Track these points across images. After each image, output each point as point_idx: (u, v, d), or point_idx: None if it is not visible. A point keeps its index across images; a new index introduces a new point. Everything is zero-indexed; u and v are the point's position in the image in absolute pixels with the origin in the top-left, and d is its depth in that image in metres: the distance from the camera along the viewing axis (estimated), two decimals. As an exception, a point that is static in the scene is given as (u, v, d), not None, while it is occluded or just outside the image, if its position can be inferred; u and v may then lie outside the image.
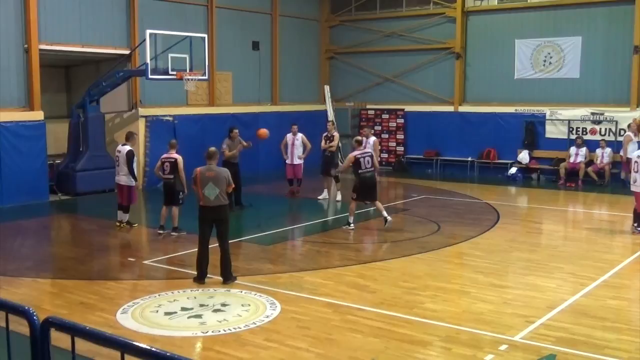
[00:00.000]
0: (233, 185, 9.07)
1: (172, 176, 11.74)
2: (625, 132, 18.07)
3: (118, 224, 12.51)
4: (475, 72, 20.93)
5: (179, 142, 18.12)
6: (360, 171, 12.26)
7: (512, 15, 20.18)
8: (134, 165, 12.37)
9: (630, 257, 10.28)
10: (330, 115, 22.30)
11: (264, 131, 14.85)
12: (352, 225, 12.39)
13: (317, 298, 8.15)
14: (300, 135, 16.17)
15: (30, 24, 15.09)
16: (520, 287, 8.73)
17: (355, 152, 12.42)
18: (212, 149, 9.35)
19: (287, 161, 16.34)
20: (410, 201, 15.83)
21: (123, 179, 12.34)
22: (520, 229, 12.86)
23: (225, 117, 18.63)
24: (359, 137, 13.56)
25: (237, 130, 14.41)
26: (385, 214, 12.23)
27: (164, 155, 12.00)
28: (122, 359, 2.61)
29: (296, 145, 16.11)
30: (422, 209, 14.60)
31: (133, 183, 12.42)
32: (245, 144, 14.37)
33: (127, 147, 12.32)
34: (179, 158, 11.77)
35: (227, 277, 8.74)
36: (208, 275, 8.79)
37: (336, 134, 16.09)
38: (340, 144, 20.54)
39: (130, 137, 12.60)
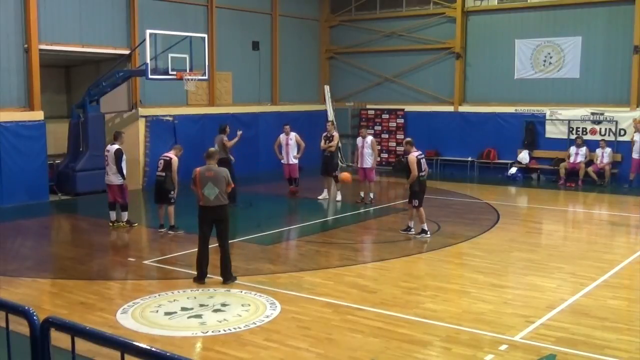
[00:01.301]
0: (233, 185, 9.08)
1: (163, 173, 11.85)
2: (624, 132, 18.16)
3: (111, 224, 12.56)
4: (475, 72, 20.92)
5: (179, 142, 18.20)
6: (421, 174, 11.63)
7: (512, 15, 20.17)
8: (123, 163, 12.41)
9: (630, 257, 10.28)
10: (330, 115, 22.31)
11: (346, 176, 14.49)
12: (429, 233, 11.67)
13: (317, 298, 8.15)
14: (293, 135, 16.18)
15: (30, 24, 15.08)
16: (520, 287, 8.73)
17: (415, 153, 11.67)
18: (212, 149, 9.42)
19: (282, 161, 16.37)
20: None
21: (113, 178, 12.41)
22: (520, 229, 12.86)
23: (225, 117, 18.59)
24: (409, 139, 13.07)
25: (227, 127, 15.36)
26: (424, 226, 11.72)
27: (163, 154, 12.24)
28: (122, 359, 2.61)
29: (290, 145, 16.12)
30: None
31: (122, 181, 12.47)
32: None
33: (116, 146, 12.40)
34: (174, 158, 11.94)
35: (227, 277, 8.74)
36: (208, 275, 8.79)
37: (336, 134, 16.08)
38: (340, 144, 20.58)
39: (118, 137, 12.66)
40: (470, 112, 20.85)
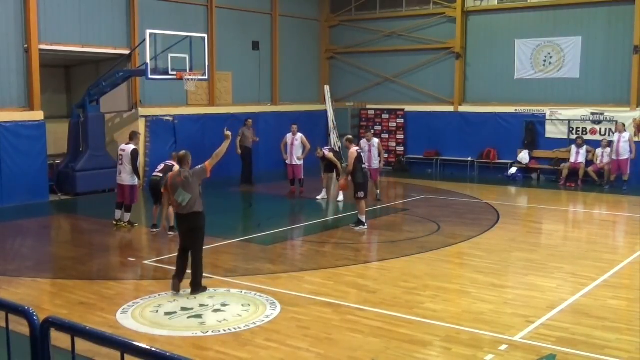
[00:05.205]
0: (208, 175, 8.46)
1: (160, 175, 11.82)
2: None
3: (115, 222, 12.55)
4: (475, 72, 20.92)
5: (179, 142, 18.27)
6: (363, 167, 12.39)
7: (512, 15, 20.17)
8: (138, 164, 12.41)
9: (630, 257, 10.28)
10: (330, 115, 22.28)
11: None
12: (366, 224, 12.34)
13: (317, 298, 8.15)
14: (299, 136, 16.19)
15: (30, 24, 15.08)
16: (520, 287, 8.72)
17: (354, 148, 12.59)
18: (182, 152, 8.77)
19: (286, 161, 16.37)
20: (410, 201, 15.82)
21: (126, 178, 12.35)
22: (520, 229, 12.86)
23: (225, 117, 18.61)
24: (349, 136, 13.90)
25: (250, 120, 17.77)
26: (363, 218, 12.32)
27: (166, 161, 12.17)
28: (122, 359, 2.62)
29: (295, 145, 16.13)
30: (422, 209, 14.59)
31: (136, 182, 12.48)
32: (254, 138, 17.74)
33: (132, 146, 12.37)
34: (177, 167, 11.86)
35: (196, 289, 8.24)
36: (207, 276, 8.78)
37: (327, 154, 15.62)
38: (339, 144, 20.61)
39: (133, 136, 12.65)
40: (470, 112, 20.85)
